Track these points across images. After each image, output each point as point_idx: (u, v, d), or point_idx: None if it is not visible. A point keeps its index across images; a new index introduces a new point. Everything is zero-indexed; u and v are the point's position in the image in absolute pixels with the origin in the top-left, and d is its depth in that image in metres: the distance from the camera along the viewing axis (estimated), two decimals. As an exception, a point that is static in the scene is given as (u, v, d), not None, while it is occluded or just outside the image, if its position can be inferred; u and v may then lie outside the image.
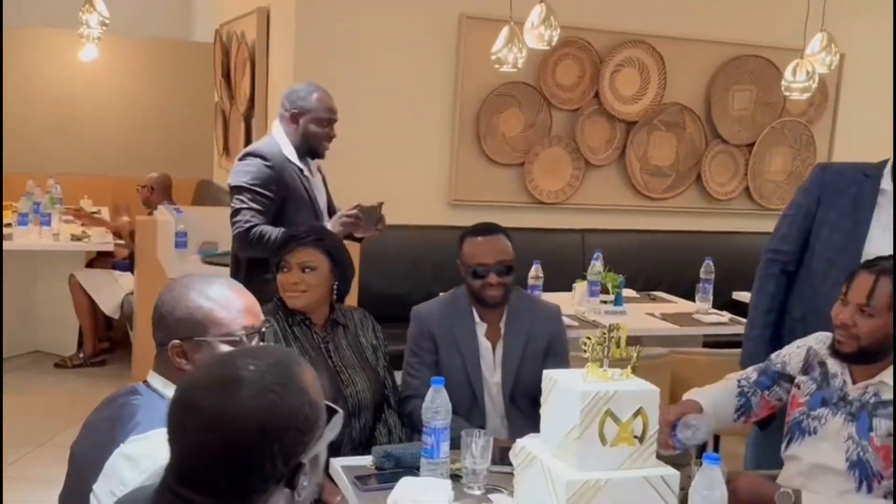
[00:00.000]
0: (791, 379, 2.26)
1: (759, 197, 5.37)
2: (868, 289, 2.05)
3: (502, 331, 2.63)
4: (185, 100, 7.26)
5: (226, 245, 4.38)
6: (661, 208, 5.23)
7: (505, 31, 3.67)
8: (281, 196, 3.06)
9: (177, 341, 1.55)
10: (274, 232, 2.95)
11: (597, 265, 4.03)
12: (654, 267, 4.81)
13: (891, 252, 2.21)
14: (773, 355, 2.35)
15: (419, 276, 4.45)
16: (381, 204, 3.12)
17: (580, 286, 4.01)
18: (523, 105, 4.85)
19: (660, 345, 3.41)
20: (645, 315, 3.99)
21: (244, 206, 3.00)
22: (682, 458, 1.97)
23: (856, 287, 2.09)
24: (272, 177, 3.04)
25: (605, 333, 1.79)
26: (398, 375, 2.67)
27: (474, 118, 4.78)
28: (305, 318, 2.49)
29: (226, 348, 1.54)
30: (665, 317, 3.96)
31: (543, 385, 1.86)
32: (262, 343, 1.64)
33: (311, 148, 3.17)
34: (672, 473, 1.75)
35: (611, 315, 3.82)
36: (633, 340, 1.84)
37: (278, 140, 3.14)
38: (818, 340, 2.26)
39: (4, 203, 5.51)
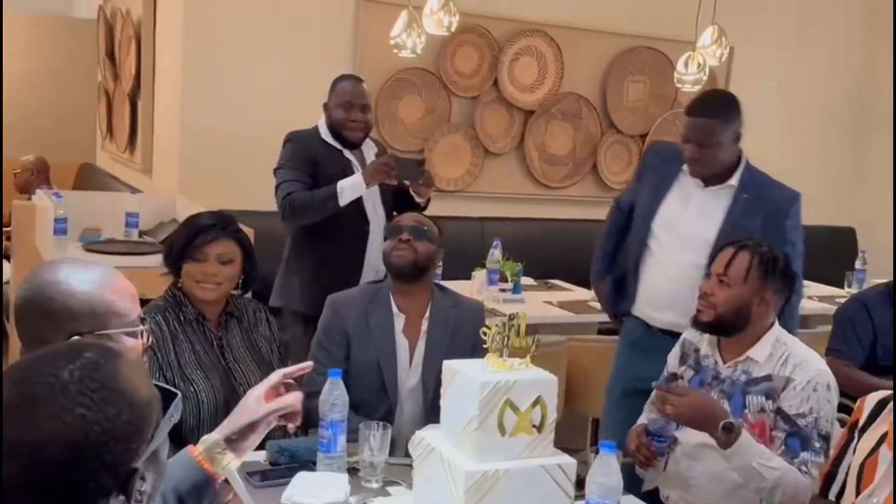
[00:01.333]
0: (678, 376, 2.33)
1: (652, 186, 5.50)
2: (727, 260, 2.20)
3: (424, 327, 2.46)
4: (67, 79, 6.92)
5: (110, 231, 4.19)
6: (558, 197, 5.29)
7: (403, 15, 3.62)
8: (315, 173, 3.13)
9: (76, 337, 1.42)
10: (315, 191, 3.07)
11: (496, 253, 4.05)
12: (552, 255, 4.85)
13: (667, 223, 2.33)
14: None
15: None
16: (423, 160, 3.17)
17: (479, 274, 4.02)
18: (423, 91, 4.81)
19: (557, 332, 3.45)
20: (543, 303, 4.02)
21: (283, 180, 3.12)
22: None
23: (718, 260, 2.24)
24: (304, 155, 3.16)
25: (505, 323, 1.77)
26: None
27: (373, 104, 4.69)
28: (199, 314, 2.37)
29: (129, 341, 1.45)
30: (562, 304, 4.00)
31: (444, 375, 1.83)
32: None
33: (338, 134, 3.21)
34: (569, 462, 1.75)
35: (509, 303, 3.84)
36: (532, 329, 1.83)
37: (319, 125, 3.28)
38: (689, 331, 2.35)
39: None
